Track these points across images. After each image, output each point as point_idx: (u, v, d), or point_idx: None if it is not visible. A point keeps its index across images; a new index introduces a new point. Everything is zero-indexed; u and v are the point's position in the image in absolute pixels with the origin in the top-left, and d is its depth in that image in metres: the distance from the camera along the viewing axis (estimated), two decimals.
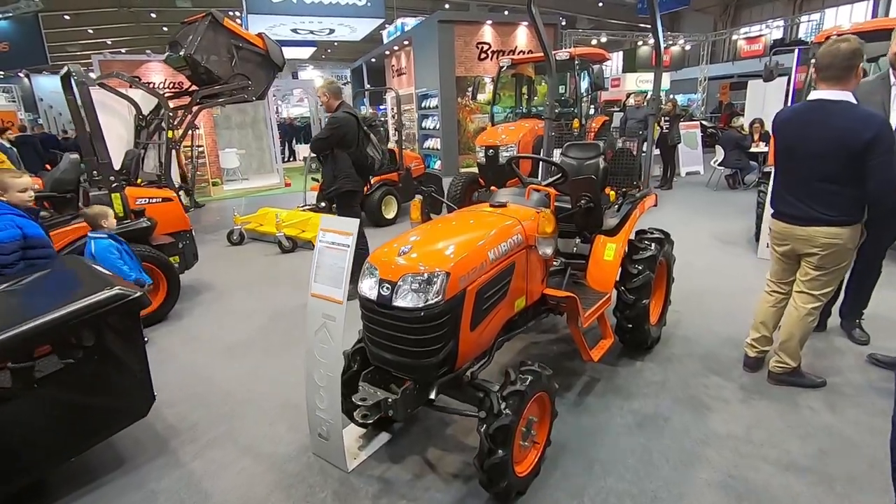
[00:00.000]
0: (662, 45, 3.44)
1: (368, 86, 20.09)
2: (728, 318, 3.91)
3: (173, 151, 7.60)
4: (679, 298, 3.85)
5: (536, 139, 6.88)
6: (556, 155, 3.92)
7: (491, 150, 6.50)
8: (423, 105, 14.64)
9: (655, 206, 3.67)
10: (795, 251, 2.77)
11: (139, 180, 6.91)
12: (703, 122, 15.22)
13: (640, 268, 3.11)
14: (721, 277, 4.84)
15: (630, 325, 3.18)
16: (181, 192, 7.14)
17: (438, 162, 14.22)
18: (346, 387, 2.46)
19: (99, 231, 3.61)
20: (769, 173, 5.81)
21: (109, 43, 28.29)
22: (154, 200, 4.71)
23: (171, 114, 6.84)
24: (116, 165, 7.04)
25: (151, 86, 12.11)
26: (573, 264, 3.18)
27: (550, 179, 2.93)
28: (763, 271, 5.25)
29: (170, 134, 6.81)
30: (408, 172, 8.45)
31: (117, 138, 7.34)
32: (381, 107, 24.46)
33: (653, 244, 3.21)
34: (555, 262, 3.21)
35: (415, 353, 2.01)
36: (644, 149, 3.74)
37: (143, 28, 26.86)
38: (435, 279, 1.96)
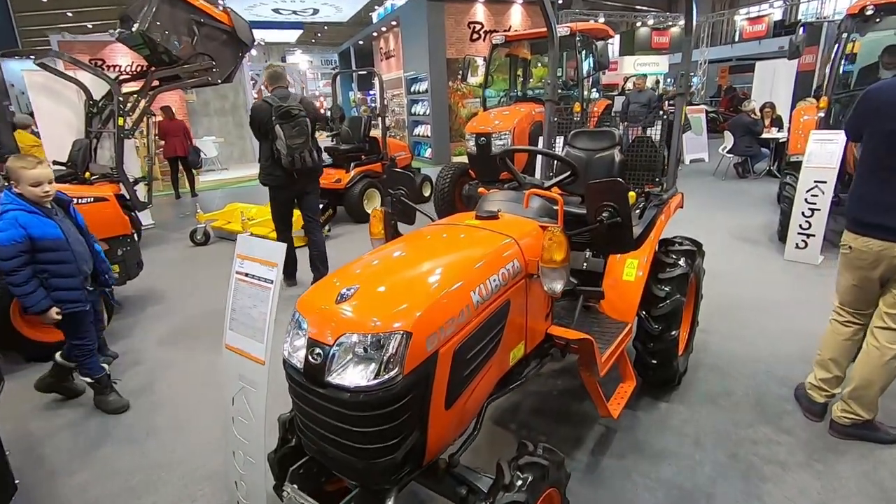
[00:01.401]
0: (695, 13, 2.74)
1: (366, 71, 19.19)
2: (765, 340, 3.28)
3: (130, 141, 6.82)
4: (703, 314, 3.19)
5: (533, 125, 6.18)
6: (559, 145, 3.23)
7: (482, 138, 5.78)
8: (412, 89, 13.84)
9: (682, 207, 3.00)
10: (885, 276, 2.10)
11: (88, 174, 6.17)
12: (706, 108, 14.53)
13: (667, 290, 2.45)
14: (747, 286, 4.19)
15: (655, 362, 2.53)
16: (137, 188, 6.37)
17: (429, 150, 13.48)
18: (280, 467, 1.80)
19: None
20: (797, 163, 5.17)
21: (90, 27, 26.92)
22: (83, 200, 3.97)
23: (121, 98, 6.05)
24: (63, 157, 6.37)
25: (116, 69, 11.28)
26: (584, 284, 2.51)
27: (556, 180, 2.25)
28: (794, 276, 4.67)
29: (120, 122, 6.04)
30: (392, 163, 7.75)
31: (66, 126, 6.58)
32: (371, 91, 23.53)
33: (682, 258, 2.54)
34: None
35: (362, 450, 1.35)
36: (661, 138, 3.05)
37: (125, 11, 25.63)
38: (390, 342, 1.28)
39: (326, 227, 6.61)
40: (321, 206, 6.65)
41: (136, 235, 4.36)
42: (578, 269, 2.61)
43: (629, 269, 2.43)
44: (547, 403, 2.74)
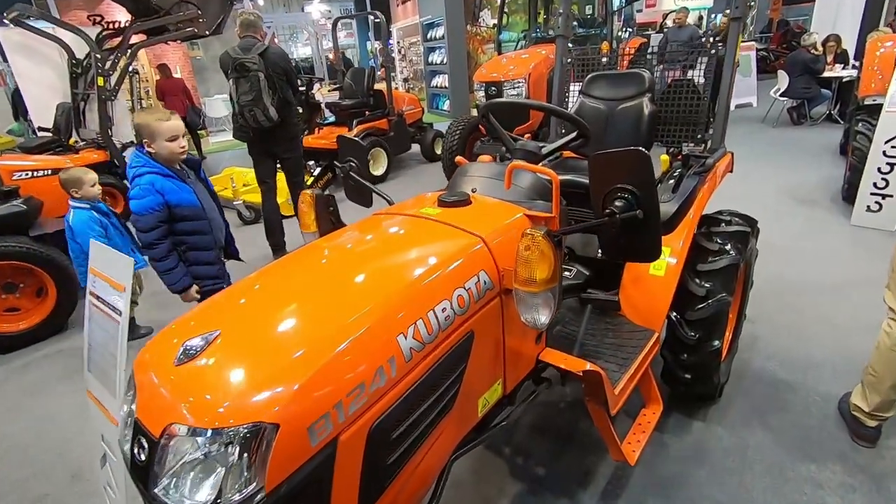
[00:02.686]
0: None
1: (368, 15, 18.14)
2: (829, 333, 2.65)
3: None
4: (751, 297, 2.56)
5: (553, 71, 5.39)
6: (573, 95, 2.57)
7: (493, 88, 5.06)
8: (428, 36, 12.83)
9: (731, 171, 2.34)
10: None
11: (73, 140, 5.80)
12: (756, 44, 12.98)
13: (708, 286, 1.86)
14: (805, 260, 3.50)
15: (688, 376, 1.97)
16: (126, 153, 5.96)
17: (447, 102, 12.61)
18: None
19: (80, 200, 2.88)
20: (872, 107, 4.30)
21: None
22: (40, 174, 3.58)
23: (98, 56, 5.56)
24: (47, 122, 6.01)
25: (115, 25, 10.73)
26: (598, 280, 1.95)
27: (557, 143, 1.65)
28: (864, 247, 3.66)
29: (100, 82, 5.57)
30: (400, 118, 7.09)
31: (49, 89, 6.17)
32: (390, 41, 22.32)
33: (730, 243, 1.93)
34: (567, 273, 1.99)
35: None
36: (707, 81, 2.34)
37: None
38: (241, 441, 0.78)
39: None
40: (320, 167, 6.17)
41: None
42: (591, 259, 2.03)
43: (659, 261, 1.84)
44: (551, 418, 2.24)
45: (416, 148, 7.65)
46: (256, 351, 0.89)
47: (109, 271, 1.15)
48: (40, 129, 6.04)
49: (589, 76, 2.35)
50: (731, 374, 2.33)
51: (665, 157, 2.10)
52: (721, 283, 1.86)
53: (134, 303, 3.22)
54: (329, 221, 1.54)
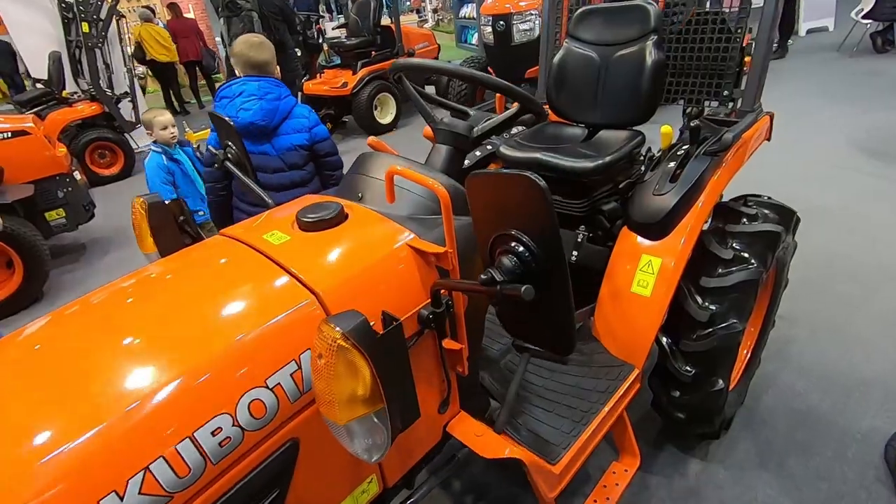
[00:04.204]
0: None
1: None
2: (882, 342, 2.10)
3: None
4: (790, 284, 2.01)
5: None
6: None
7: (501, 23, 4.35)
8: None
9: (769, 139, 1.75)
10: None
11: (65, 92, 5.55)
12: None
13: (714, 309, 1.38)
14: (864, 233, 2.84)
15: (682, 416, 1.54)
16: (120, 106, 5.68)
17: (475, 35, 11.55)
18: None
19: (156, 143, 2.85)
20: None
21: None
22: None
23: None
24: (41, 72, 5.77)
25: None
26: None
27: (496, 120, 1.17)
28: None
29: (85, 28, 5.22)
30: (411, 58, 6.43)
31: (42, 35, 5.86)
32: None
33: (751, 250, 1.42)
34: None
35: None
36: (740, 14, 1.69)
37: None
38: None
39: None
40: (320, 116, 5.72)
41: (75, 174, 3.70)
42: None
43: (644, 276, 1.37)
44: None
45: (430, 91, 7.02)
46: None
47: None
48: (36, 80, 5.83)
49: (577, 12, 1.76)
50: (749, 392, 1.88)
51: (667, 128, 1.54)
52: (732, 305, 1.38)
53: None
54: (181, 234, 1.15)
